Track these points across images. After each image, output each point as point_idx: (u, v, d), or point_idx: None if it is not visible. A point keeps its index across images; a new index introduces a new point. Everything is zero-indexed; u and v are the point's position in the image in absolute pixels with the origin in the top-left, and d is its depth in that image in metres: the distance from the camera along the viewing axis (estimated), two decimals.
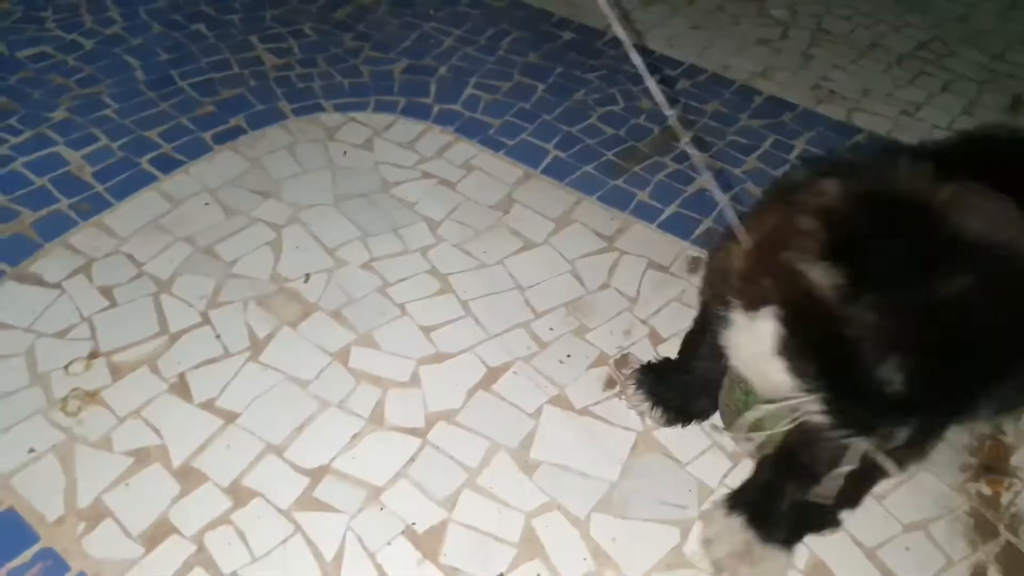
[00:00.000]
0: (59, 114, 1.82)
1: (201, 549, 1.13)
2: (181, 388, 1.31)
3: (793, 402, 0.80)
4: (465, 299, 1.50)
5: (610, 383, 1.38)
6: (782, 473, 1.06)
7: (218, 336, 1.39)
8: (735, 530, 1.10)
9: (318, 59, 2.09)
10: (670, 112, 0.98)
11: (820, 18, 2.55)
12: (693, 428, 1.32)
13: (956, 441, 1.34)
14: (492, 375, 1.37)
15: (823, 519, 1.13)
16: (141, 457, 1.21)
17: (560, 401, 1.34)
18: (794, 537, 1.13)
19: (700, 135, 1.98)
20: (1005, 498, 1.27)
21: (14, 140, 1.74)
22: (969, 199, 0.72)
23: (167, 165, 1.71)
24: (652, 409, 1.30)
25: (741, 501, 1.13)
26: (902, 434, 0.76)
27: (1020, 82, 2.32)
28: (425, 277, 1.54)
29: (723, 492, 1.22)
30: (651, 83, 0.92)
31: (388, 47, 2.18)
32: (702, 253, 1.62)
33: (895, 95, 2.22)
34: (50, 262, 1.49)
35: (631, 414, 1.33)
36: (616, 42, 2.29)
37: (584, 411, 1.33)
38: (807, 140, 2.00)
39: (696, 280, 1.56)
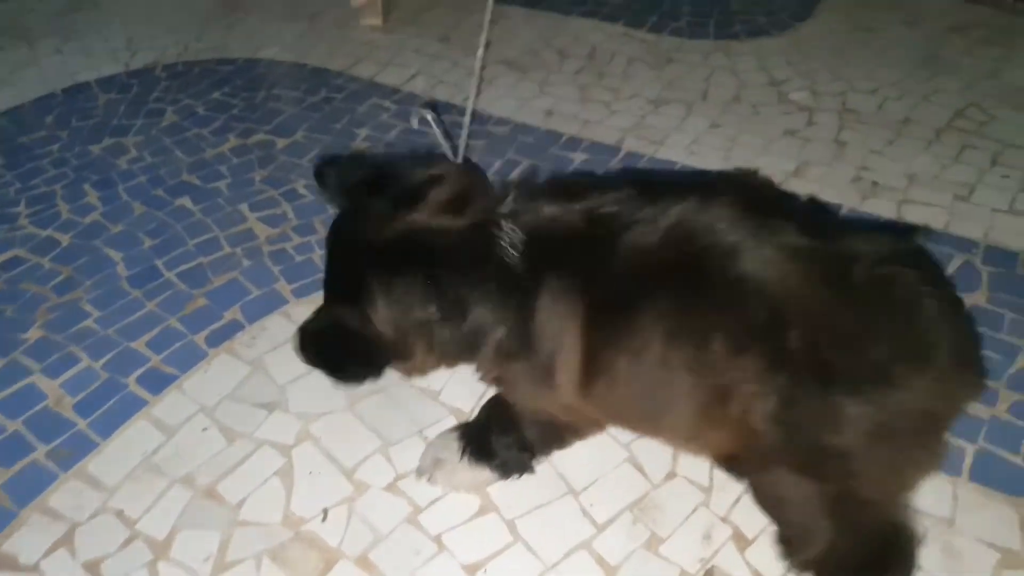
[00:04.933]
0: (34, 333, 1.64)
1: None
2: None
3: None
4: (511, 517, 1.28)
5: None
6: (491, 416, 1.33)
7: None
8: (449, 444, 1.33)
9: (315, 222, 1.92)
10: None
11: (844, 96, 2.37)
12: None
13: None
14: None
15: (522, 460, 1.32)
16: None
17: None
18: (502, 467, 1.31)
19: None
20: None
21: None
22: None
23: (158, 383, 1.52)
24: None
25: (463, 428, 1.37)
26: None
27: None
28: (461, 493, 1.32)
29: None
30: None
31: None
32: None
33: (943, 177, 2.02)
34: (26, 536, 1.28)
35: None
36: (634, 156, 2.11)
37: None
38: None
39: None
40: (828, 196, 1.96)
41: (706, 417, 1.04)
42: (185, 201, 2.01)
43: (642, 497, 1.31)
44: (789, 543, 1.15)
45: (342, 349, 1.14)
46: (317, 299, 1.67)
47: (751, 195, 1.14)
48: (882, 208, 1.92)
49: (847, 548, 1.09)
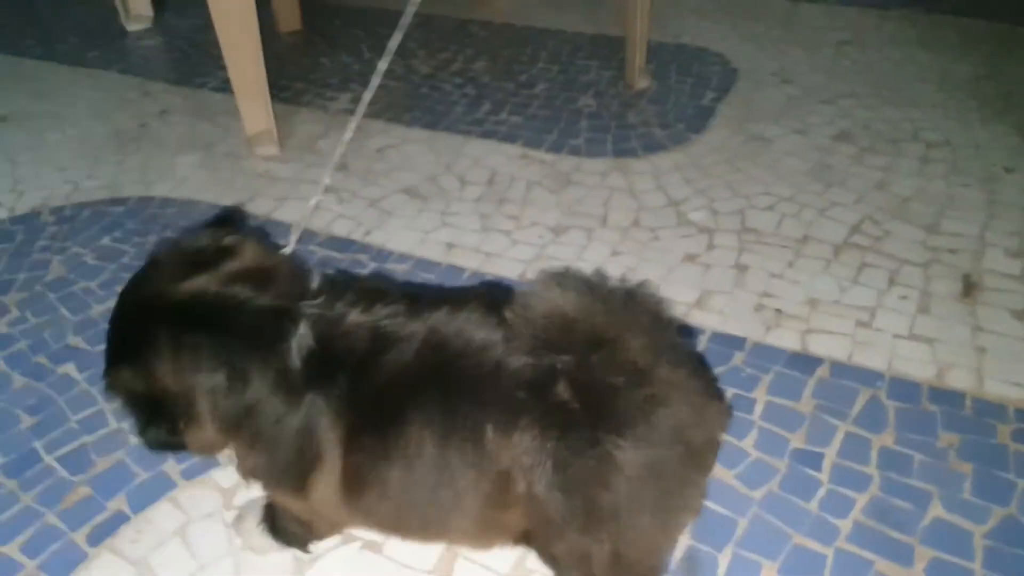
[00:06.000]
0: None
1: None
2: None
3: None
4: None
5: None
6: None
7: None
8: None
9: None
10: None
11: (743, 214, 2.41)
12: None
13: None
14: None
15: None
16: None
17: None
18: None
19: None
20: None
21: None
22: None
23: None
24: None
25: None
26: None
27: (962, 257, 2.18)
28: None
29: None
30: None
31: None
32: None
33: (844, 301, 2.05)
34: None
35: None
36: None
37: None
38: (768, 387, 1.79)
39: None
40: (731, 328, 1.97)
41: (495, 504, 1.07)
42: (69, 368, 1.89)
43: None
44: None
45: (134, 411, 1.16)
46: (208, 480, 1.60)
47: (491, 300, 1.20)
48: (786, 340, 1.93)
49: None
